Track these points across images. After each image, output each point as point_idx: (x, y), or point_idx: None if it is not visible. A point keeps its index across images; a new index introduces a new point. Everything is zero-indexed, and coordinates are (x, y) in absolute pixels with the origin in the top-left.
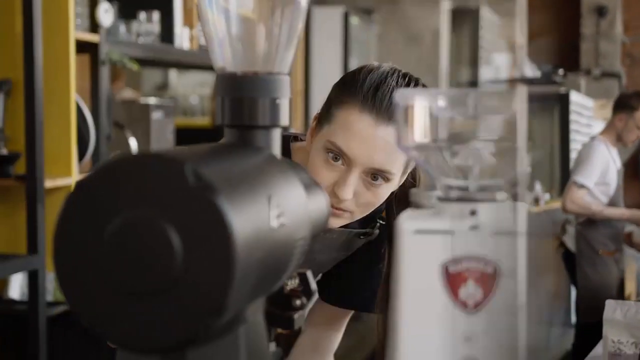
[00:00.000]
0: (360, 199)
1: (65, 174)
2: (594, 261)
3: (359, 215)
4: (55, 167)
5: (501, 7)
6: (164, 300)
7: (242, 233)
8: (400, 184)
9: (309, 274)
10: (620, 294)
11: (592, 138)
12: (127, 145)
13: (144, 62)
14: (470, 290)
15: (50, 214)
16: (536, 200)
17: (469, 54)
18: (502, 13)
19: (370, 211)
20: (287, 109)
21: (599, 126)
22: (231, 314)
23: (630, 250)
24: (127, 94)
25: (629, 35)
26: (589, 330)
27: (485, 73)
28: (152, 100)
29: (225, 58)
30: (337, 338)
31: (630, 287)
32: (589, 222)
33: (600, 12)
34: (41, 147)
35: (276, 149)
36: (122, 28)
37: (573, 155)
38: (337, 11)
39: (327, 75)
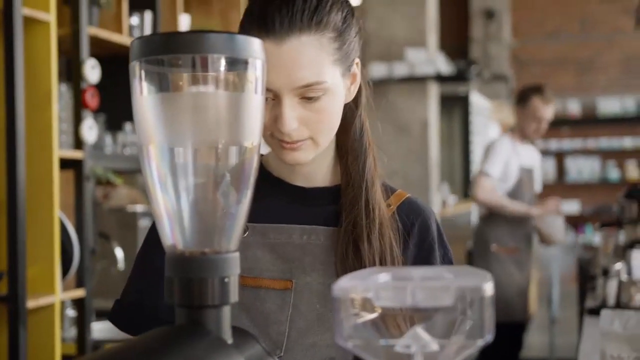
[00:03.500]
0: (309, 123)
1: (49, 293)
2: (487, 258)
3: (322, 140)
4: (38, 285)
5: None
6: None
7: None
8: (355, 89)
9: None
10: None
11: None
12: (113, 256)
13: (131, 172)
14: None
15: (32, 336)
16: (443, 203)
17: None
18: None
19: (331, 132)
20: (237, 284)
21: (495, 127)
22: None
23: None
24: (122, 192)
25: (517, 39)
26: None
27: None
28: (139, 208)
29: (174, 236)
30: None
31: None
32: (488, 217)
33: (489, 15)
34: (24, 268)
35: (225, 326)
36: (109, 139)
37: (474, 157)
38: None
39: None
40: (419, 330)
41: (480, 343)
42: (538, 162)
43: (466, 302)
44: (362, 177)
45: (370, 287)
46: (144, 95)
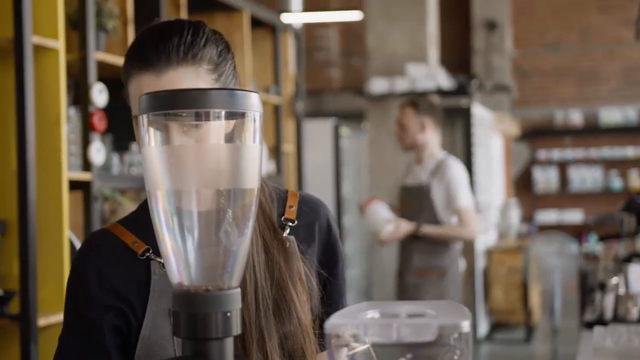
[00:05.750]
0: None
1: (59, 311)
2: None
3: None
4: (49, 304)
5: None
6: None
7: None
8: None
9: None
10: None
11: None
12: None
13: (137, 190)
14: None
15: (44, 353)
16: None
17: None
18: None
19: None
20: (238, 317)
21: (497, 138)
22: None
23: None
24: (129, 208)
25: (518, 49)
26: None
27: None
28: None
29: (180, 274)
30: None
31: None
32: None
33: (491, 26)
34: (34, 287)
35: (228, 357)
36: (116, 160)
37: (476, 168)
38: (327, 123)
39: (319, 187)
40: None
41: None
42: (447, 178)
43: (447, 338)
44: None
45: (359, 325)
46: (151, 145)
